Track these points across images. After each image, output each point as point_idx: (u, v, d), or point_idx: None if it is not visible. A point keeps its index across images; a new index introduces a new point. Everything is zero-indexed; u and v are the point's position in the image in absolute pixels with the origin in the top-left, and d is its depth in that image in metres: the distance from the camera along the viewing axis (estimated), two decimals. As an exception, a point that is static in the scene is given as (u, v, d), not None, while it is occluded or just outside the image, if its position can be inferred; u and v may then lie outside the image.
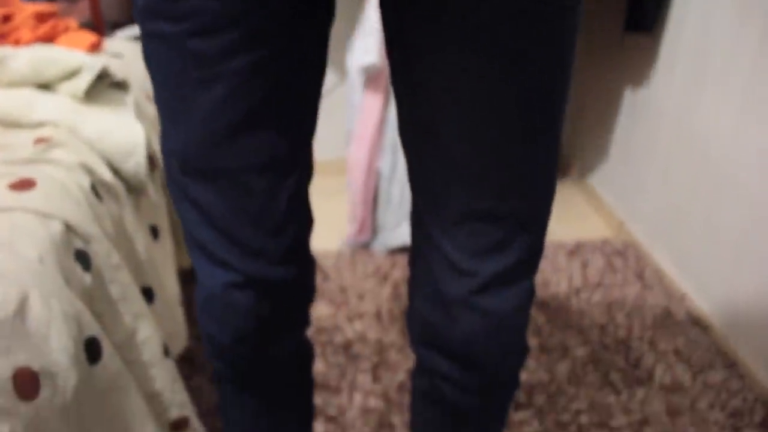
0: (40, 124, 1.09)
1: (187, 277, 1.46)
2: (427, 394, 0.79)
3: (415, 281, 0.73)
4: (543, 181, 0.62)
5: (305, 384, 0.87)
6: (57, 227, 0.85)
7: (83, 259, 0.88)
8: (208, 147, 0.61)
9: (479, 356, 0.69)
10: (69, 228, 0.87)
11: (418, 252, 0.70)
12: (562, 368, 1.46)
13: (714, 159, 1.59)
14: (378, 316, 1.58)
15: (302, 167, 0.68)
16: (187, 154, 0.62)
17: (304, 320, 0.79)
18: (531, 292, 0.69)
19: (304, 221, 0.72)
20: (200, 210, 0.65)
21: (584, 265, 1.82)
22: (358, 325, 1.55)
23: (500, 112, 0.57)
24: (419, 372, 0.80)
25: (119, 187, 1.09)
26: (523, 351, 0.74)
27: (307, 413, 0.89)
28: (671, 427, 1.34)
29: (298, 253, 0.71)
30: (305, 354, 0.85)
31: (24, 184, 0.89)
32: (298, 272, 0.72)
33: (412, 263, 0.73)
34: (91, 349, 0.78)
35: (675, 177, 1.75)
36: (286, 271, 0.70)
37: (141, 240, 1.11)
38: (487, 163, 0.59)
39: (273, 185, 0.64)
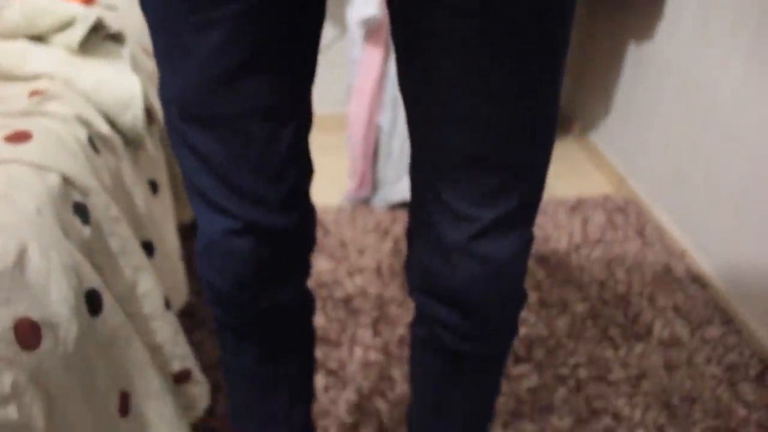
0: (34, 77, 1.07)
1: (186, 233, 1.46)
2: (426, 343, 0.79)
3: (414, 229, 0.73)
4: (543, 130, 0.62)
5: (306, 334, 0.88)
6: (54, 180, 0.84)
7: (82, 211, 0.87)
8: (206, 93, 0.60)
9: (478, 303, 0.69)
10: (66, 180, 0.87)
11: (417, 200, 0.70)
12: (562, 323, 1.47)
13: (717, 116, 1.57)
14: (378, 270, 1.58)
15: (301, 115, 0.67)
16: (185, 101, 0.62)
17: (305, 269, 0.79)
18: (529, 240, 0.69)
19: (304, 169, 0.71)
20: (199, 157, 0.65)
21: (585, 222, 1.82)
22: (359, 280, 1.55)
23: (501, 61, 0.56)
24: (418, 321, 0.80)
25: (117, 141, 1.07)
26: (521, 298, 0.74)
27: (307, 363, 0.90)
28: (668, 381, 1.35)
29: (298, 201, 0.71)
30: (306, 304, 0.85)
31: (19, 137, 0.87)
32: (298, 220, 0.72)
33: (411, 212, 0.73)
34: (92, 301, 0.78)
35: (678, 134, 1.74)
36: (286, 219, 0.70)
37: (140, 194, 1.10)
38: (487, 110, 0.59)
39: (271, 132, 0.64)
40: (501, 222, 0.65)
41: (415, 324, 0.82)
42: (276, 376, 0.86)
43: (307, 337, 0.88)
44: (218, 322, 0.82)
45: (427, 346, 0.79)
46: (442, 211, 0.66)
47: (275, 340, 0.82)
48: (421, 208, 0.69)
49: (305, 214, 0.74)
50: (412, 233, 0.74)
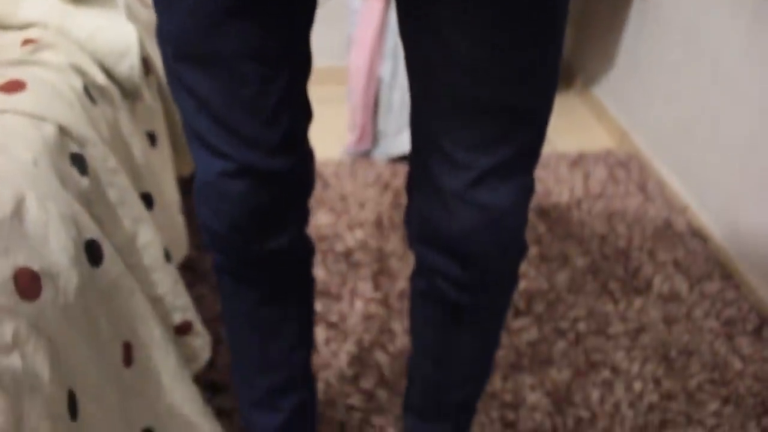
0: (26, 25, 1.04)
1: (186, 186, 1.45)
2: (426, 294, 0.79)
3: (413, 179, 0.73)
4: (544, 77, 0.61)
5: (305, 280, 0.87)
6: (50, 130, 0.83)
7: (79, 162, 0.86)
8: (197, 34, 0.60)
9: (477, 252, 0.68)
10: (63, 131, 0.85)
11: (416, 150, 0.69)
12: (562, 277, 1.47)
13: (723, 69, 1.54)
14: (379, 224, 1.58)
15: (297, 60, 0.66)
16: (179, 40, 0.62)
17: (302, 215, 0.79)
18: (529, 189, 0.68)
19: (301, 114, 0.70)
20: (195, 98, 0.64)
21: (586, 176, 1.81)
22: (359, 233, 1.55)
23: (501, 8, 0.55)
24: (418, 271, 0.80)
25: (113, 91, 1.05)
26: (521, 249, 0.74)
27: (307, 310, 0.90)
28: (666, 335, 1.36)
29: (295, 145, 0.71)
30: (305, 250, 0.84)
31: (13, 86, 0.86)
32: (295, 164, 0.71)
33: (411, 163, 0.72)
34: (92, 252, 0.77)
35: (682, 87, 1.71)
36: (282, 162, 0.69)
37: (138, 145, 1.09)
38: (488, 56, 0.58)
39: (265, 74, 0.63)
40: (500, 169, 0.64)
41: (415, 276, 0.81)
42: (275, 321, 0.85)
43: (306, 284, 0.88)
44: (216, 266, 0.82)
45: (427, 297, 0.79)
46: (440, 159, 0.65)
47: (274, 285, 0.82)
48: (420, 158, 0.69)
49: (302, 158, 0.73)
50: (411, 184, 0.73)
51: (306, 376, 0.94)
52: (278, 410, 0.92)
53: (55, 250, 0.70)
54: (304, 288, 0.88)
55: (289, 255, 0.80)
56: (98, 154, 0.91)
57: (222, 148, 0.67)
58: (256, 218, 0.72)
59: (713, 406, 1.23)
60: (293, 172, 0.71)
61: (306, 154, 0.74)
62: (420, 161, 0.69)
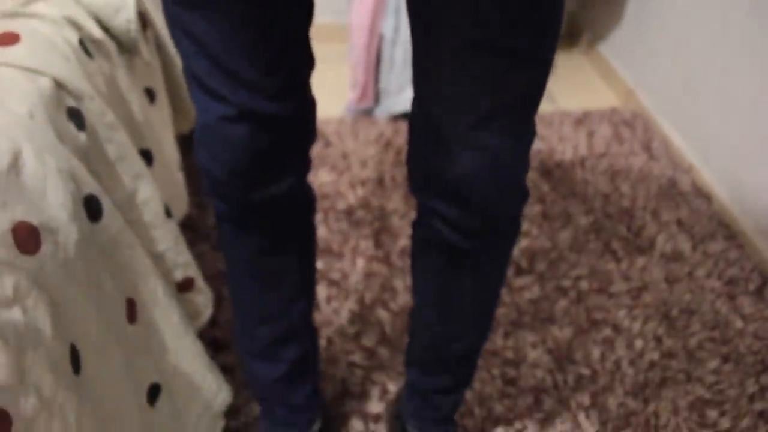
0: (19, -25, 1.01)
1: (185, 144, 1.43)
2: (427, 241, 0.79)
3: (414, 123, 0.72)
4: (547, 20, 0.60)
5: (306, 230, 0.87)
6: (46, 83, 0.81)
7: (76, 116, 0.85)
8: None
9: (477, 195, 0.68)
10: (58, 84, 0.83)
11: (418, 93, 0.68)
12: (565, 236, 1.47)
13: (731, 29, 1.51)
14: (380, 182, 1.57)
15: (297, 4, 0.64)
16: None
17: (303, 163, 0.78)
18: (530, 134, 0.68)
19: (302, 60, 0.69)
20: (195, 41, 0.63)
21: (590, 135, 1.79)
22: (360, 192, 1.54)
23: None
24: (419, 218, 0.79)
25: (110, 45, 1.03)
26: (522, 195, 0.73)
27: (308, 261, 0.89)
28: (668, 294, 1.36)
29: (296, 90, 0.70)
30: (305, 200, 0.84)
31: (7, 39, 0.83)
32: (296, 109, 0.70)
33: (413, 105, 0.71)
34: (91, 207, 0.76)
35: (689, 45, 1.68)
36: (282, 107, 0.68)
37: (136, 101, 1.07)
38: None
39: (266, 17, 0.62)
40: (500, 113, 0.63)
41: (417, 223, 0.81)
42: (275, 270, 0.85)
43: (307, 235, 0.87)
44: (217, 213, 0.81)
45: (429, 244, 0.79)
46: (441, 101, 0.64)
47: (274, 234, 0.81)
48: (421, 102, 0.68)
49: (303, 104, 0.72)
50: (412, 129, 0.73)
51: (307, 329, 0.94)
52: (279, 361, 0.92)
53: (53, 204, 0.69)
54: (306, 239, 0.87)
55: (290, 203, 0.79)
56: (96, 109, 0.89)
57: (221, 92, 0.66)
58: (256, 164, 0.71)
59: (713, 364, 1.23)
60: (294, 118, 0.70)
61: (307, 101, 0.73)
62: (421, 105, 0.68)
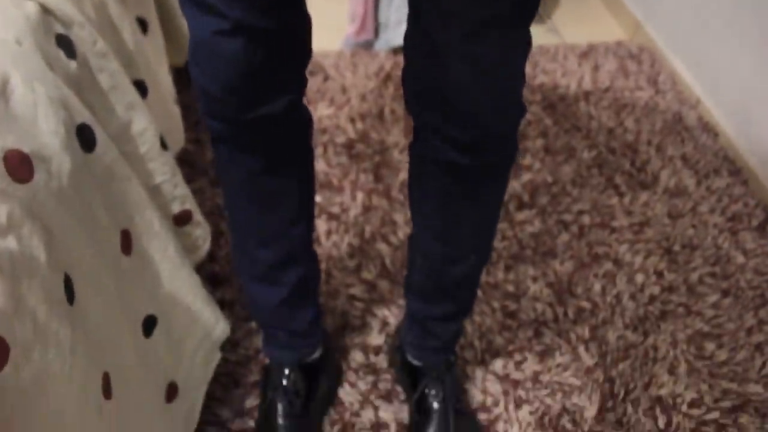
0: None
1: (180, 77, 1.40)
2: (425, 159, 0.78)
3: (409, 38, 0.70)
4: None
5: (304, 151, 0.86)
6: (32, 8, 0.78)
7: (65, 44, 0.82)
8: None
9: (471, 107, 0.67)
10: (46, 10, 0.80)
11: (414, 8, 0.67)
12: (567, 170, 1.45)
13: (749, -51, 1.45)
14: (380, 116, 1.54)
15: None
16: None
17: (298, 82, 0.76)
18: (526, 44, 0.66)
19: None
20: None
21: (595, 68, 1.75)
22: (360, 125, 1.51)
23: None
24: (416, 137, 0.78)
25: (98, -30, 0.99)
26: (519, 110, 0.72)
27: (306, 182, 0.88)
28: (671, 229, 1.35)
29: (291, 4, 0.68)
30: (302, 119, 0.82)
31: (-10, -39, 0.80)
32: (290, 24, 0.69)
33: (408, 20, 0.70)
34: (84, 136, 0.74)
35: (702, -29, 1.62)
36: (276, 21, 0.67)
37: (128, 29, 1.03)
38: None
39: None
40: (494, 22, 0.62)
41: (414, 143, 0.80)
42: (273, 192, 0.84)
43: (304, 156, 0.86)
44: (213, 135, 0.80)
45: (426, 162, 0.78)
46: (434, 12, 0.63)
47: (270, 154, 0.80)
48: (415, 14, 0.66)
49: (298, 19, 0.70)
50: (407, 44, 0.71)
51: (307, 252, 0.93)
52: (279, 285, 0.92)
53: (45, 132, 0.67)
54: (303, 160, 0.86)
55: (286, 123, 0.77)
56: (86, 37, 0.86)
57: (216, 5, 0.64)
58: (250, 80, 0.70)
59: (713, 298, 1.24)
60: (288, 32, 0.69)
61: (302, 16, 0.71)
62: (416, 20, 0.67)
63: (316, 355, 1.02)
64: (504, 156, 0.77)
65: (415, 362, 1.02)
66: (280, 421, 0.97)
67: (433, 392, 1.00)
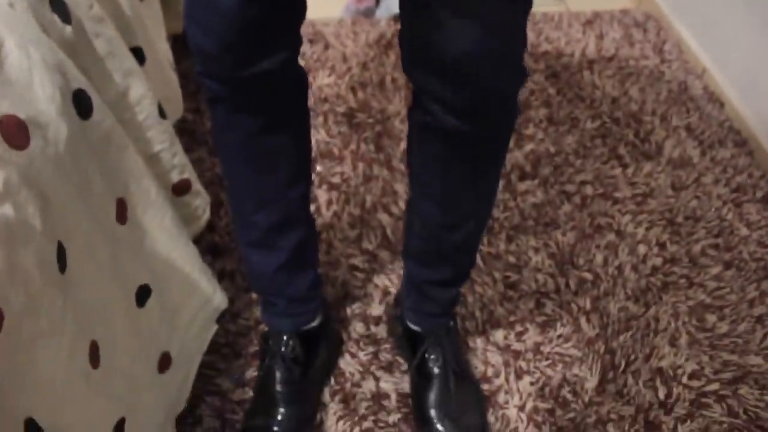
0: None
1: (177, 45, 1.38)
2: (424, 125, 0.77)
3: (405, 3, 0.69)
4: None
5: (299, 113, 0.85)
6: (25, -30, 0.75)
7: (60, 8, 0.80)
8: None
9: (470, 69, 0.66)
10: (39, -28, 0.78)
11: None
12: (570, 140, 1.44)
13: None
14: (381, 84, 1.52)
15: None
16: None
17: (294, 40, 0.76)
18: (526, 4, 0.66)
19: None
20: None
21: (600, 37, 1.72)
22: (361, 94, 1.49)
23: None
24: (415, 102, 0.77)
25: (93, -68, 0.96)
26: (519, 75, 0.71)
27: (303, 144, 0.88)
28: (674, 201, 1.34)
29: None
30: (297, 79, 0.82)
31: None
32: None
33: None
34: (80, 103, 0.72)
35: (711, -63, 1.59)
36: None
37: (124, -6, 1.01)
38: None
39: None
40: None
41: (413, 109, 0.79)
42: (270, 153, 0.84)
43: (300, 116, 0.86)
44: (210, 96, 0.79)
45: (426, 128, 0.77)
46: None
47: (267, 113, 0.80)
48: None
49: None
50: (404, 6, 0.70)
51: (304, 215, 0.93)
52: (278, 249, 0.92)
53: (41, 98, 0.66)
54: (299, 120, 0.86)
55: (281, 80, 0.77)
56: (81, 1, 0.84)
57: None
58: (245, 35, 0.69)
59: (715, 270, 1.23)
60: None
61: None
62: None
63: (315, 323, 1.02)
64: (504, 122, 0.76)
65: (414, 327, 1.02)
66: (278, 387, 0.97)
67: (432, 357, 1.00)
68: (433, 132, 0.76)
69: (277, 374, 0.97)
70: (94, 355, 0.66)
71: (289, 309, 0.99)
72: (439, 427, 0.97)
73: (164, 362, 0.87)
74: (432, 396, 0.99)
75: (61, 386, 0.58)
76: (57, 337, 0.58)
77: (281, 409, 0.96)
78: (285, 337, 0.99)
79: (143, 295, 0.82)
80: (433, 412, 0.98)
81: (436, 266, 0.94)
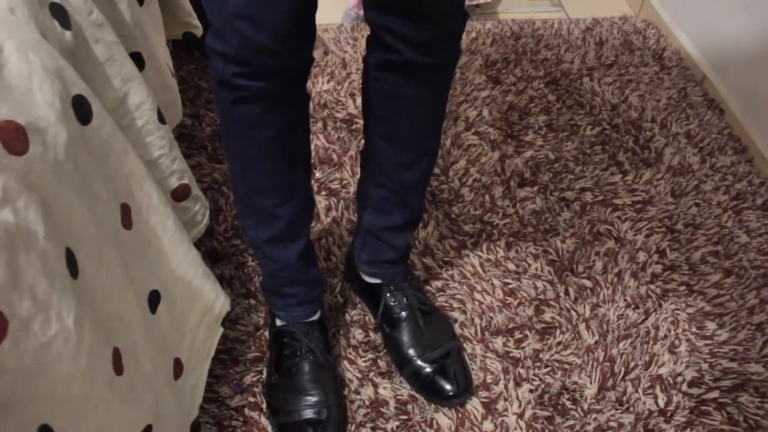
0: None
1: (176, 51, 1.38)
2: (383, 63, 0.83)
3: None
4: None
5: (308, 97, 0.90)
6: (25, -24, 0.75)
7: (60, 13, 0.80)
8: None
9: (432, 8, 0.76)
10: (39, -22, 0.78)
11: None
12: (570, 147, 1.44)
13: None
14: (382, 92, 1.52)
15: None
16: None
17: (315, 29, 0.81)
18: None
19: None
20: None
21: (600, 44, 1.72)
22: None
23: None
24: (374, 43, 0.84)
25: (93, -63, 0.96)
26: (463, 14, 0.81)
27: (307, 123, 0.93)
28: (674, 208, 1.34)
29: None
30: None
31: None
32: None
33: None
34: (80, 108, 0.72)
35: (710, -55, 1.59)
36: None
37: (124, 0, 1.01)
38: None
39: None
40: None
41: (370, 50, 0.85)
42: (297, 143, 0.89)
43: (308, 101, 0.91)
44: (247, 95, 0.79)
45: (384, 65, 0.83)
46: None
47: (301, 104, 0.85)
48: None
49: None
50: None
51: (313, 200, 0.98)
52: (298, 239, 0.96)
53: (40, 103, 0.66)
54: (307, 106, 0.91)
55: (307, 76, 0.83)
56: (81, 7, 0.84)
57: None
58: (298, 25, 0.74)
59: (715, 277, 1.23)
60: None
61: None
62: None
63: (320, 312, 1.05)
64: (452, 57, 0.85)
65: (373, 280, 1.07)
66: (309, 377, 0.99)
67: (395, 302, 1.05)
68: (392, 69, 0.83)
69: (305, 365, 1.00)
70: (118, 362, 0.66)
71: (306, 296, 1.01)
72: (419, 362, 1.03)
73: (177, 368, 0.87)
74: (405, 338, 1.04)
75: (80, 393, 0.58)
76: (73, 344, 0.58)
77: (321, 398, 0.98)
78: (306, 327, 1.01)
79: (154, 300, 0.82)
80: (411, 351, 1.04)
81: (393, 210, 0.98)
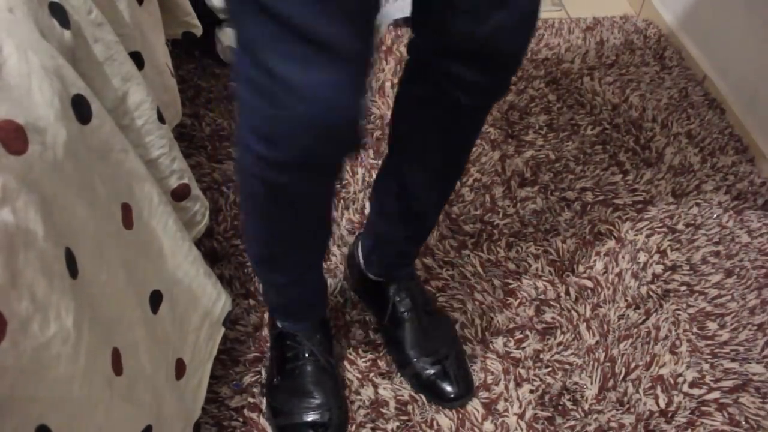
0: None
1: (176, 49, 1.37)
2: (429, 99, 0.77)
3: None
4: None
5: None
6: (24, -25, 0.75)
7: (59, 13, 0.79)
8: None
9: (506, 51, 0.70)
10: (38, -23, 0.77)
11: None
12: (570, 147, 1.43)
13: None
14: (381, 91, 1.51)
15: None
16: None
17: None
18: None
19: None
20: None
21: (600, 43, 1.72)
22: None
23: None
24: (417, 77, 0.78)
25: (93, -64, 0.96)
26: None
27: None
28: (675, 208, 1.34)
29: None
30: None
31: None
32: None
33: None
34: (80, 108, 0.72)
35: (711, -56, 1.59)
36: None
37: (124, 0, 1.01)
38: None
39: None
40: None
41: (412, 81, 0.80)
42: (315, 233, 0.86)
43: None
44: (282, 194, 0.73)
45: (430, 102, 0.78)
46: None
47: (326, 202, 0.82)
48: None
49: None
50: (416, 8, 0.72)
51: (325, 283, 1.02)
52: (315, 272, 0.96)
53: (39, 103, 0.65)
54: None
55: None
56: (80, 6, 0.83)
57: (325, 36, 0.58)
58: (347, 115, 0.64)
59: (716, 277, 1.23)
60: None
61: None
62: None
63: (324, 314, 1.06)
64: (503, 95, 0.80)
65: (379, 279, 1.06)
66: (313, 379, 0.99)
67: (402, 302, 1.05)
68: (440, 106, 0.78)
69: (308, 368, 0.99)
70: (117, 363, 0.66)
71: (314, 296, 1.02)
72: (420, 364, 1.02)
73: (180, 369, 0.86)
74: (408, 337, 1.04)
75: (79, 394, 0.58)
76: (71, 345, 0.57)
77: (323, 400, 0.98)
78: (310, 330, 1.01)
79: (156, 300, 0.82)
80: (412, 352, 1.03)
81: (411, 222, 0.97)
